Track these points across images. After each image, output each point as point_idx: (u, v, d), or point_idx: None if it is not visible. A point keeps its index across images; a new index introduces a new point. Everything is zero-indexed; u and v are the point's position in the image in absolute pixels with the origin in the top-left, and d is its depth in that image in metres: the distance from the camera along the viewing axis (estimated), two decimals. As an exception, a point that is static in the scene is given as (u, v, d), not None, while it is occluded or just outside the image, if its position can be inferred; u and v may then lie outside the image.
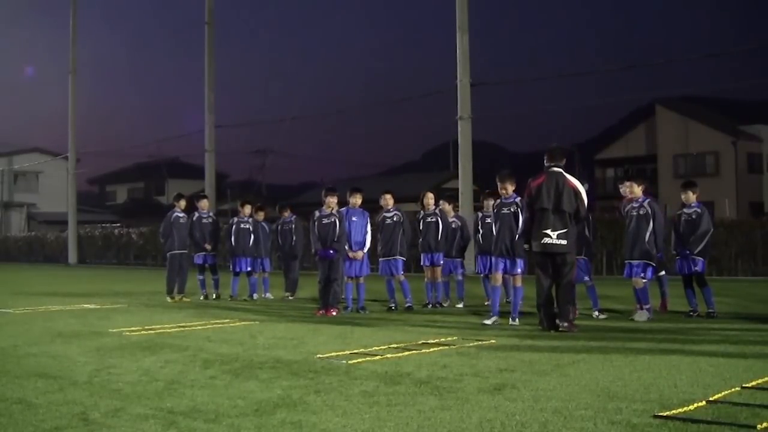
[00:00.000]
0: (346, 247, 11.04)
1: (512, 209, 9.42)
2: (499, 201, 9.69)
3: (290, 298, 14.15)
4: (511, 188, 9.53)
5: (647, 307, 9.82)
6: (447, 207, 12.43)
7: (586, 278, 10.18)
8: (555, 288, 8.76)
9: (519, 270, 9.47)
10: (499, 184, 9.62)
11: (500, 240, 9.44)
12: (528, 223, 8.88)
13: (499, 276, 9.66)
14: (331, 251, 10.79)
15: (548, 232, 8.59)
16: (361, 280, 11.35)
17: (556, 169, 8.80)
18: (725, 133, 46.72)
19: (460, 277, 12.34)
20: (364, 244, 11.16)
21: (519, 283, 9.58)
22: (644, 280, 9.79)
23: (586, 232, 10.16)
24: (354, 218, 11.15)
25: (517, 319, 9.37)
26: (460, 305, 12.00)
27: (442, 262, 11.96)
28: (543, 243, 8.63)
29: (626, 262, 10.06)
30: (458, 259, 12.36)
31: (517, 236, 9.22)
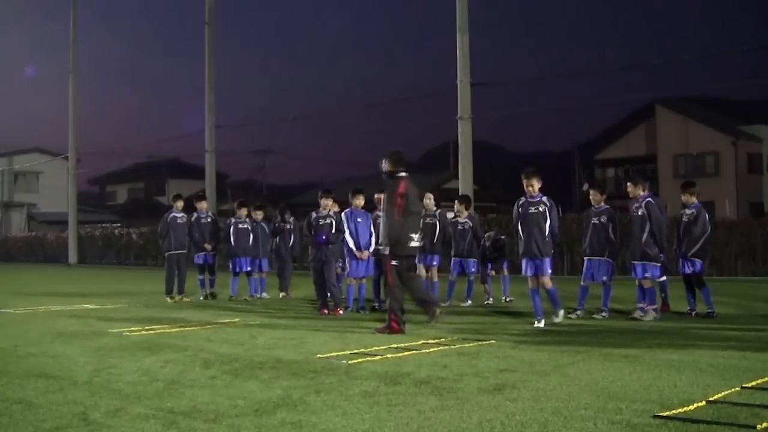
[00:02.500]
0: (354, 247, 11.05)
1: (540, 208, 9.22)
2: (524, 200, 9.37)
3: (290, 296, 14.24)
4: (537, 186, 9.25)
5: (654, 307, 9.83)
6: (461, 208, 12.40)
7: (605, 278, 10.19)
8: (405, 287, 8.85)
9: (549, 270, 9.25)
10: (524, 181, 9.31)
11: (531, 241, 9.21)
12: (400, 227, 8.72)
13: (535, 279, 9.29)
14: (324, 236, 10.81)
15: (413, 236, 8.77)
16: (363, 280, 11.36)
17: (405, 173, 8.93)
18: (725, 133, 46.71)
19: (472, 278, 12.33)
20: (370, 244, 11.17)
21: (549, 285, 9.29)
22: (661, 279, 9.85)
23: (611, 234, 10.18)
24: (359, 219, 11.16)
25: (543, 321, 9.14)
26: (467, 304, 12.03)
27: (435, 263, 12.00)
28: (411, 246, 8.78)
29: (632, 261, 10.11)
30: (472, 259, 12.32)
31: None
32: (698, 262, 10.04)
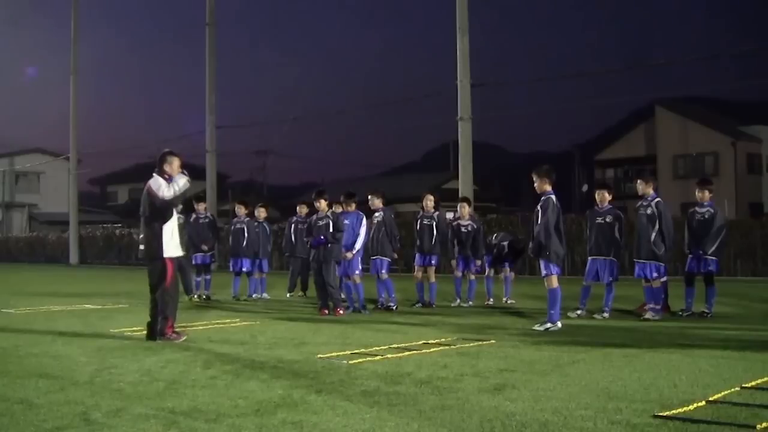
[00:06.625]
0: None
1: (537, 208, 8.98)
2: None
3: (306, 295, 14.29)
4: (537, 185, 9.02)
5: (658, 307, 9.84)
6: (465, 210, 12.40)
7: (610, 278, 10.17)
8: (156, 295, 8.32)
9: (545, 271, 8.92)
10: (536, 180, 9.02)
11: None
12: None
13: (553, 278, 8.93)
14: (322, 237, 10.85)
15: (140, 239, 8.56)
16: (358, 280, 11.37)
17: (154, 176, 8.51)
18: (725, 133, 46.65)
19: (473, 277, 12.34)
20: (353, 245, 11.19)
21: (548, 285, 8.92)
22: (662, 280, 9.85)
23: (616, 234, 10.15)
24: (346, 222, 11.19)
25: (559, 323, 8.91)
26: (467, 304, 12.05)
27: (434, 262, 12.02)
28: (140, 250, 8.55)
29: (635, 260, 10.08)
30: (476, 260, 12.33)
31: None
32: (713, 261, 10.00)
